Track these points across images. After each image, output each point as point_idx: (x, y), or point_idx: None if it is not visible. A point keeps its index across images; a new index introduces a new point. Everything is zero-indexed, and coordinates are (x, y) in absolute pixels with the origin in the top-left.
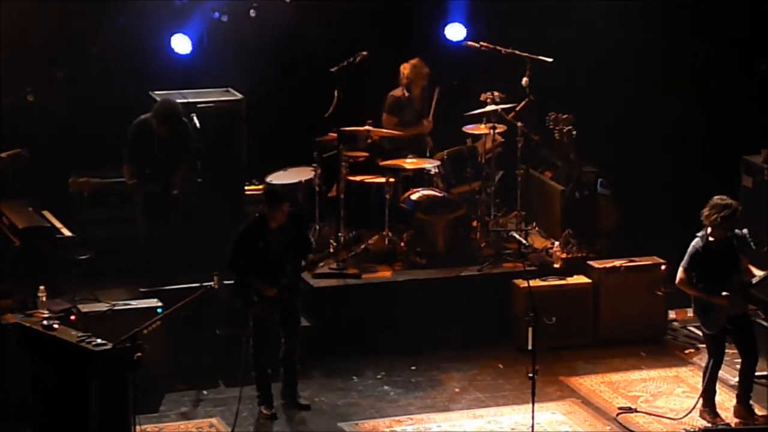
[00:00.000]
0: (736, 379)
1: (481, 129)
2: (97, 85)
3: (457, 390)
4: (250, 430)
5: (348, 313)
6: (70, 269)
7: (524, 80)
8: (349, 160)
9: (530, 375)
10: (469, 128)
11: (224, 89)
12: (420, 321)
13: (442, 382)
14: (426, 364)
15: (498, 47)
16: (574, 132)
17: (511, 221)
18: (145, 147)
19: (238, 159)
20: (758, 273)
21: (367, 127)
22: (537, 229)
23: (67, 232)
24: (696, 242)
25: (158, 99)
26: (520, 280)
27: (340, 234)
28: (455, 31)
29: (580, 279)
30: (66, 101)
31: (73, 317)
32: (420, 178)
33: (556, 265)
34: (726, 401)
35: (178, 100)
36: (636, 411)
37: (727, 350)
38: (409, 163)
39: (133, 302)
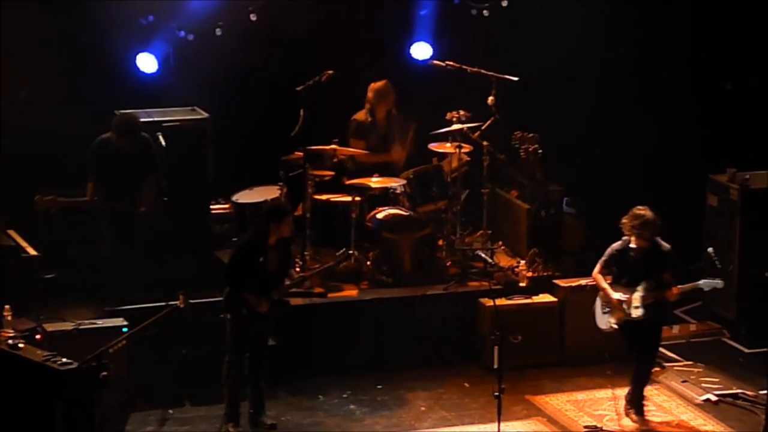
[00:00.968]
0: (703, 397)
1: (447, 148)
2: (62, 104)
3: (423, 409)
4: None
5: (314, 332)
6: (36, 288)
7: (490, 99)
8: (315, 179)
9: (496, 394)
10: (435, 147)
11: (190, 108)
12: (386, 340)
13: (408, 400)
14: (392, 383)
15: (464, 66)
16: (540, 151)
17: (477, 240)
18: (108, 165)
19: (204, 178)
20: (682, 287)
21: (333, 146)
22: (503, 247)
23: (32, 251)
24: (616, 244)
25: (120, 115)
26: (486, 299)
27: (306, 252)
28: (421, 50)
29: (546, 297)
30: (30, 120)
31: (38, 336)
32: (386, 197)
33: (522, 284)
34: (692, 420)
35: (144, 119)
36: (602, 430)
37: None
38: (375, 182)
39: (98, 321)
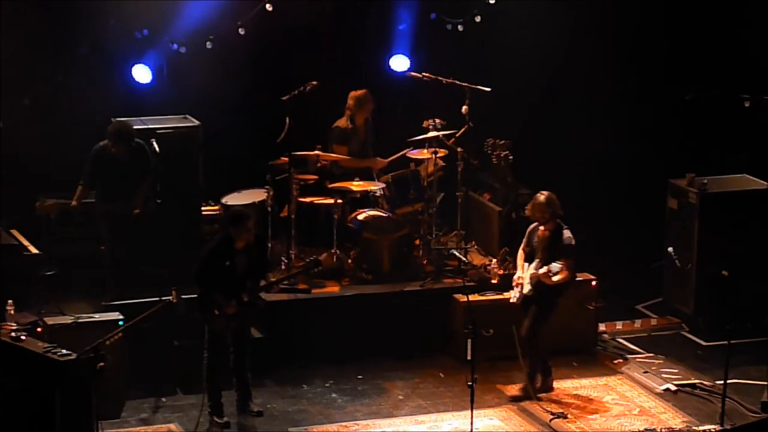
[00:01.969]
0: (663, 387)
1: (424, 154)
2: (62, 112)
3: (400, 397)
4: None
5: (299, 326)
6: (37, 284)
7: (464, 108)
8: (299, 183)
9: (469, 383)
10: (412, 153)
11: (182, 116)
12: (366, 333)
13: (387, 389)
14: (371, 373)
15: (439, 77)
16: (511, 157)
17: (451, 240)
18: (105, 170)
19: (196, 181)
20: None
21: (316, 152)
22: (476, 247)
23: (34, 250)
24: (532, 225)
25: (115, 122)
26: (460, 295)
27: (291, 251)
28: (399, 63)
29: None
30: (32, 127)
31: (39, 329)
32: (366, 199)
33: (494, 281)
34: (652, 408)
35: (139, 126)
36: (566, 417)
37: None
38: (356, 185)
39: (96, 315)
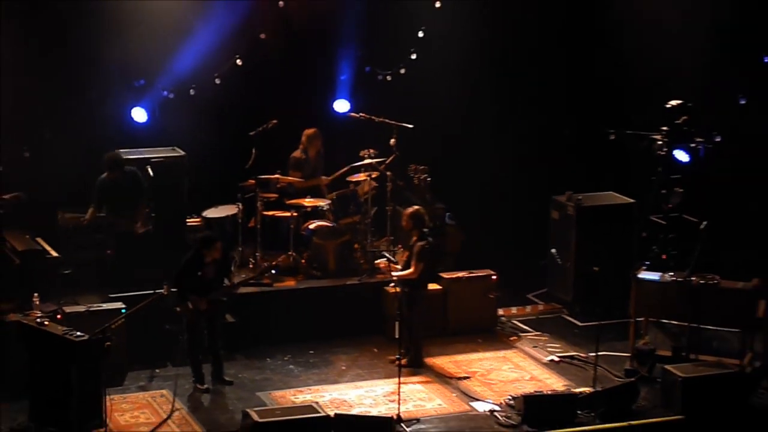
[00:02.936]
0: (548, 358)
1: (361, 177)
2: (76, 145)
3: (343, 368)
4: (191, 399)
5: (263, 312)
6: (57, 281)
7: (392, 141)
8: (263, 200)
9: (397, 357)
10: (352, 177)
11: (171, 148)
12: (317, 317)
13: (333, 362)
14: (321, 349)
15: (372, 117)
16: (429, 179)
17: (383, 244)
18: (109, 195)
19: (182, 199)
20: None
21: (276, 176)
22: (401, 249)
23: (54, 254)
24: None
25: (108, 154)
26: (390, 287)
27: (257, 254)
28: (341, 105)
29: (434, 286)
30: (53, 156)
31: (59, 316)
32: (316, 212)
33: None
34: (540, 375)
35: (137, 156)
36: (469, 378)
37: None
38: (308, 202)
39: (104, 305)
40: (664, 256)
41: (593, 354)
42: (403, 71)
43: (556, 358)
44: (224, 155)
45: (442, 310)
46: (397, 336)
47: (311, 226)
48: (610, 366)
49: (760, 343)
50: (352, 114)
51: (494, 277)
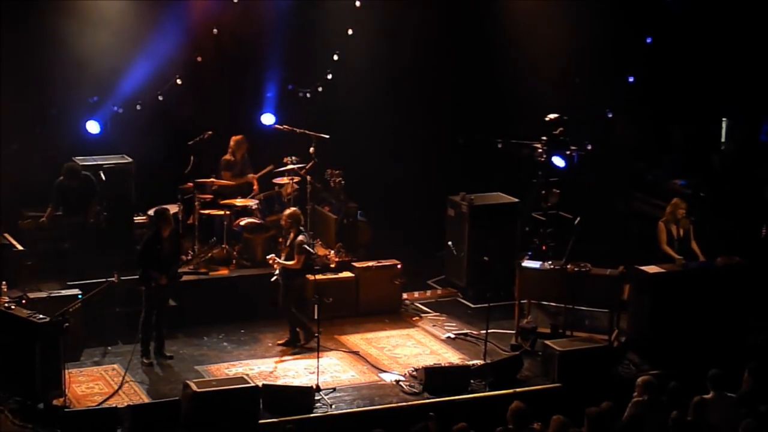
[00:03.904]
0: (445, 335)
1: (284, 180)
2: (39, 154)
3: (270, 344)
4: (138, 372)
5: (201, 296)
6: (22, 271)
7: (311, 149)
8: (200, 200)
9: (316, 335)
10: (276, 180)
11: (120, 155)
12: (247, 301)
13: (261, 339)
14: (251, 329)
15: (294, 129)
16: (343, 181)
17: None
18: (65, 197)
19: (129, 199)
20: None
21: (211, 179)
22: (320, 243)
23: (19, 247)
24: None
25: (67, 164)
26: (310, 275)
27: (195, 246)
28: (267, 118)
29: (347, 274)
30: (19, 165)
31: (24, 301)
32: (246, 211)
33: (332, 266)
34: (439, 350)
35: (90, 163)
36: (381, 352)
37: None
38: (239, 201)
39: (62, 291)
40: (544, 248)
41: (484, 331)
42: (320, 89)
43: (453, 335)
44: (166, 162)
45: (354, 294)
46: (316, 317)
47: (242, 223)
48: (498, 342)
49: (624, 322)
50: (277, 126)
51: (399, 266)
